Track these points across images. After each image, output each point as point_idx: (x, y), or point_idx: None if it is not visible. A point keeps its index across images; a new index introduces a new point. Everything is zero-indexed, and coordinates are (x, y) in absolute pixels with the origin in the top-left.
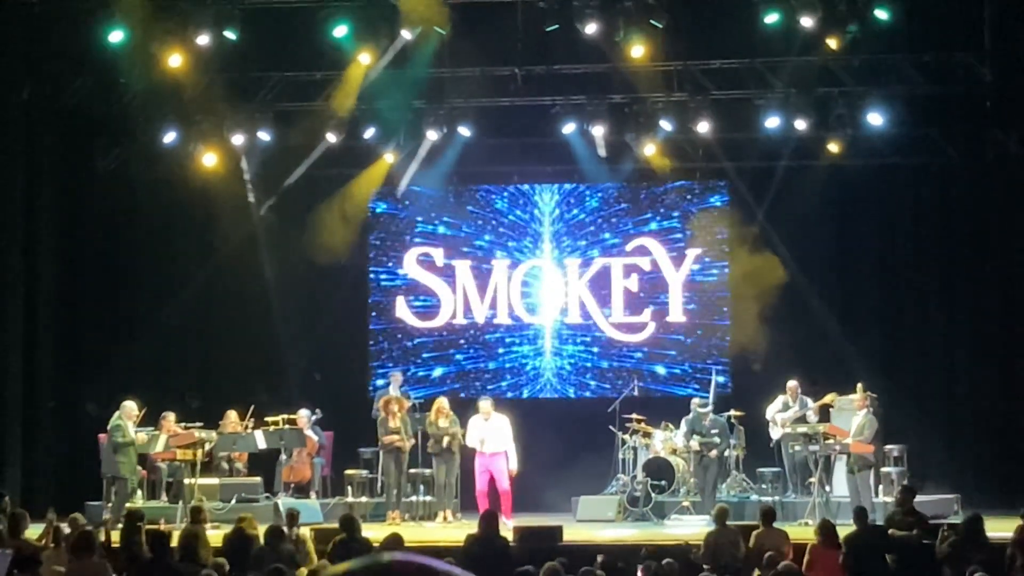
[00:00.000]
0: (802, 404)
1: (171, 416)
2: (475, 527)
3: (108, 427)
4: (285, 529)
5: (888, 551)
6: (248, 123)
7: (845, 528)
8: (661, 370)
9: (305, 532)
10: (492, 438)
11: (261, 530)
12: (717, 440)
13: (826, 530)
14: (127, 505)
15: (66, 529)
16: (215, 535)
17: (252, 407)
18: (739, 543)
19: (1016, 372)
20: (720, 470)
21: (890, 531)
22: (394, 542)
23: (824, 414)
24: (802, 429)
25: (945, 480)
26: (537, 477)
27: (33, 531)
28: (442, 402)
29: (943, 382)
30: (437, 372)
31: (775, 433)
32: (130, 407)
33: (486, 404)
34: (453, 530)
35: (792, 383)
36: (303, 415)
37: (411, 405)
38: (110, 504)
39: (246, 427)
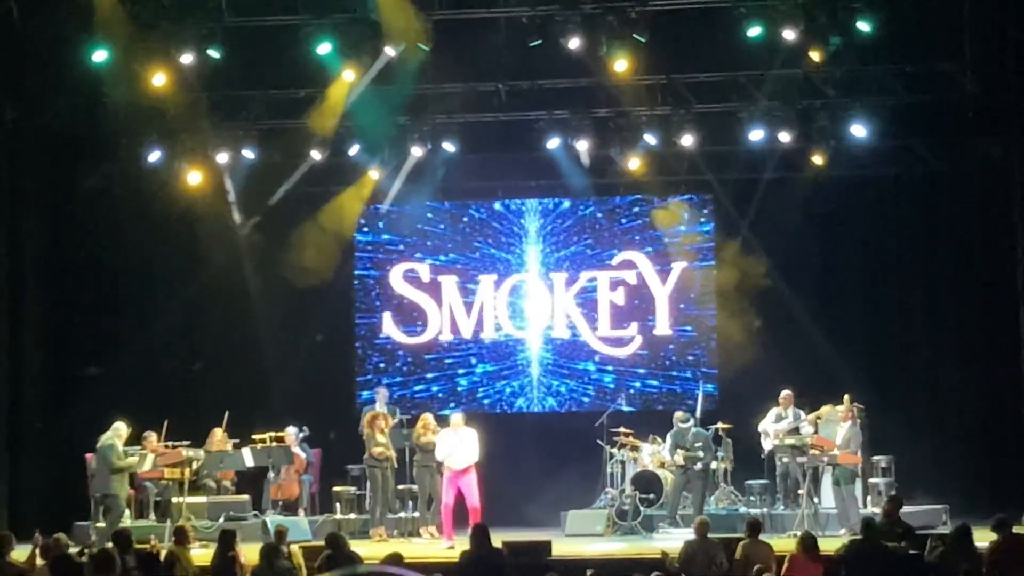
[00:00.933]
0: (795, 415)
1: (153, 436)
2: (461, 543)
3: (99, 446)
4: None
5: (880, 563)
6: (232, 141)
7: (832, 540)
8: (648, 383)
9: (295, 549)
10: (461, 452)
11: (244, 548)
12: (701, 454)
13: (807, 542)
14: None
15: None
16: (201, 554)
17: (227, 413)
18: (718, 555)
19: (1002, 381)
20: (707, 483)
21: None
22: (395, 560)
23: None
24: (790, 441)
25: (933, 490)
26: (525, 491)
27: (20, 553)
28: (428, 418)
29: (930, 392)
30: (423, 388)
31: (767, 445)
32: (121, 428)
33: (457, 418)
34: (440, 546)
35: (786, 392)
36: (290, 432)
37: (397, 421)
38: (99, 524)
39: (228, 440)
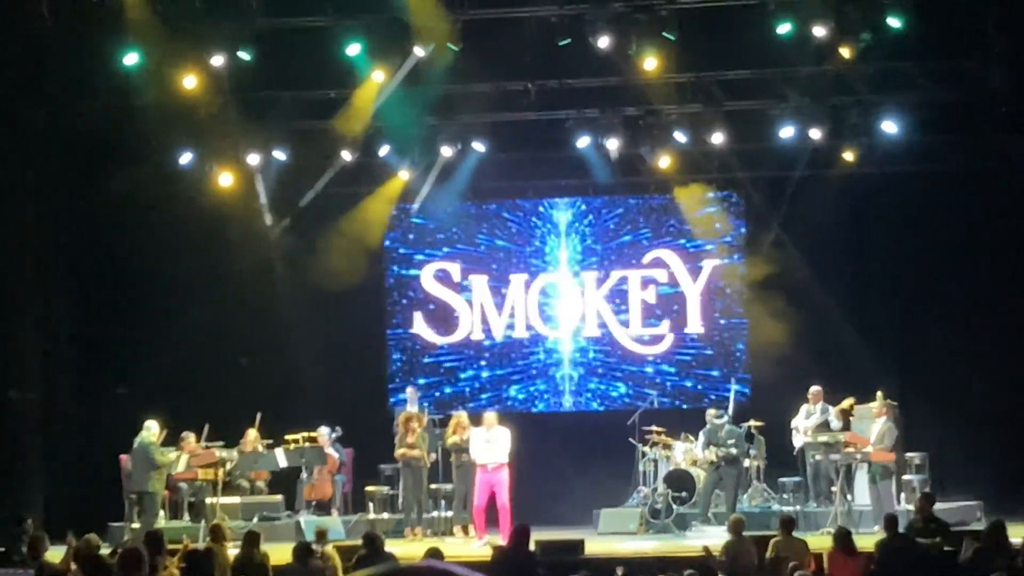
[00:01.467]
0: (823, 410)
1: (191, 437)
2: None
3: (137, 445)
4: (314, 546)
5: (914, 560)
6: (263, 143)
7: (865, 537)
8: (680, 381)
9: (330, 549)
10: (494, 451)
11: (276, 548)
12: (733, 451)
13: (843, 538)
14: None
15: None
16: (235, 554)
17: (259, 415)
18: (754, 553)
19: None
20: (740, 481)
21: (915, 539)
22: (433, 555)
23: (847, 421)
24: (823, 438)
25: (968, 487)
26: (557, 490)
27: (55, 554)
28: (461, 417)
29: (963, 388)
30: (455, 387)
31: (798, 441)
32: (155, 426)
33: (490, 416)
34: (473, 545)
35: (815, 388)
36: (323, 433)
37: (429, 420)
38: (134, 525)
39: (261, 441)
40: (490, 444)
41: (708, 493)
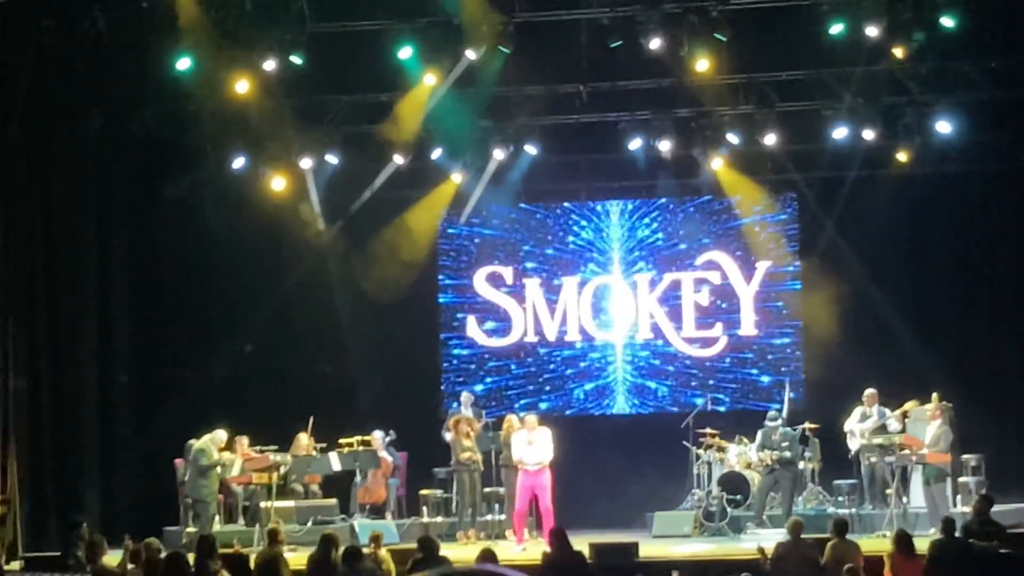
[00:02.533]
0: (880, 413)
1: (244, 440)
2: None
3: (191, 451)
4: (364, 549)
5: (971, 563)
6: (315, 147)
7: (922, 540)
8: (734, 384)
9: (384, 553)
10: (535, 452)
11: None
12: (787, 454)
13: (903, 540)
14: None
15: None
16: (292, 557)
17: (311, 419)
18: (812, 556)
19: None
20: (795, 483)
21: (970, 541)
22: (487, 556)
23: (903, 423)
24: (878, 440)
25: None
26: (611, 493)
27: (112, 558)
28: (513, 419)
29: (1020, 389)
30: (509, 390)
31: (854, 444)
32: (220, 436)
33: (531, 419)
34: (530, 547)
35: (870, 391)
36: (377, 436)
37: (484, 424)
38: (189, 529)
39: (314, 444)
40: (532, 446)
41: (763, 496)
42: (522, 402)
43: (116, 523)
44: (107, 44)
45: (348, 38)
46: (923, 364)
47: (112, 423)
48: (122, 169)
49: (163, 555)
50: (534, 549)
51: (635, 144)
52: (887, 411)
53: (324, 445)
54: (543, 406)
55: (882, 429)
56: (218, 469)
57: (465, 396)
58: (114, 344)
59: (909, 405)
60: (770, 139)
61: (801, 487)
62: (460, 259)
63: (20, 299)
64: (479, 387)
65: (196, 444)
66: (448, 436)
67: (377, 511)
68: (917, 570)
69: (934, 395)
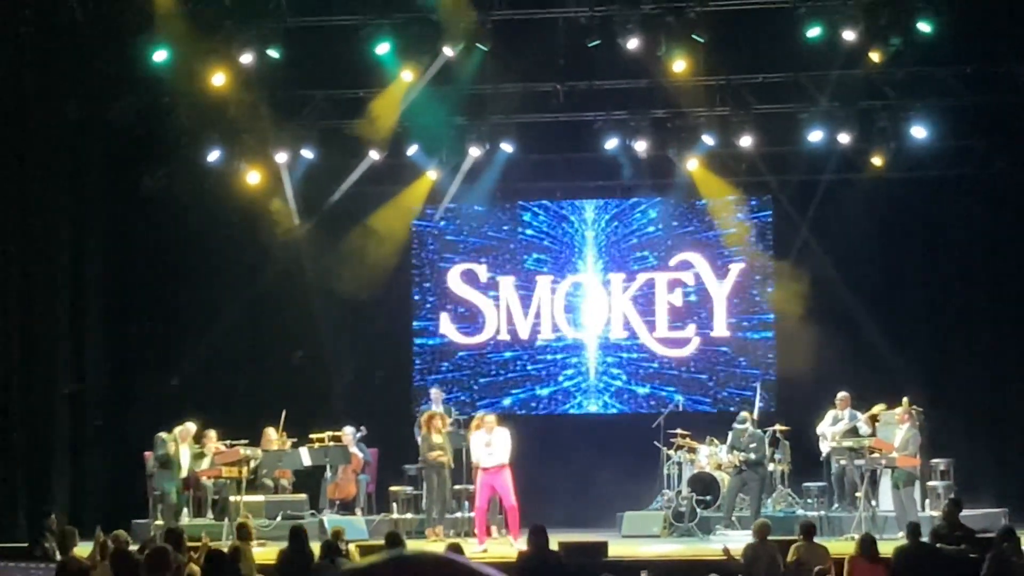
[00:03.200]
0: (852, 416)
1: (213, 434)
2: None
3: (157, 441)
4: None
5: (937, 568)
6: (291, 141)
7: (890, 543)
8: (705, 385)
9: (352, 548)
10: (494, 452)
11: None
12: (753, 456)
13: (867, 544)
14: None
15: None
16: (261, 552)
17: (284, 412)
18: (777, 558)
19: None
20: (763, 485)
21: (937, 545)
22: (454, 550)
23: (874, 426)
24: (848, 443)
25: (993, 494)
26: (581, 492)
27: (83, 549)
28: (484, 417)
29: (989, 394)
30: (481, 388)
31: (825, 447)
32: (189, 428)
33: (491, 419)
34: (497, 545)
35: (842, 394)
36: (348, 432)
37: (454, 421)
38: (158, 522)
39: (285, 439)
40: (489, 447)
41: (732, 497)
42: (494, 400)
43: (86, 516)
44: (85, 35)
45: (325, 33)
46: (895, 368)
47: (83, 415)
48: (97, 160)
49: (144, 548)
50: (498, 548)
51: (611, 144)
52: (858, 414)
53: (295, 440)
54: (514, 404)
55: (852, 432)
56: (184, 462)
57: (435, 392)
58: (85, 335)
59: (877, 408)
60: (746, 141)
61: (770, 489)
62: (434, 256)
63: None
64: (451, 384)
65: (159, 435)
66: (420, 432)
67: (347, 507)
68: (879, 575)
69: (904, 399)
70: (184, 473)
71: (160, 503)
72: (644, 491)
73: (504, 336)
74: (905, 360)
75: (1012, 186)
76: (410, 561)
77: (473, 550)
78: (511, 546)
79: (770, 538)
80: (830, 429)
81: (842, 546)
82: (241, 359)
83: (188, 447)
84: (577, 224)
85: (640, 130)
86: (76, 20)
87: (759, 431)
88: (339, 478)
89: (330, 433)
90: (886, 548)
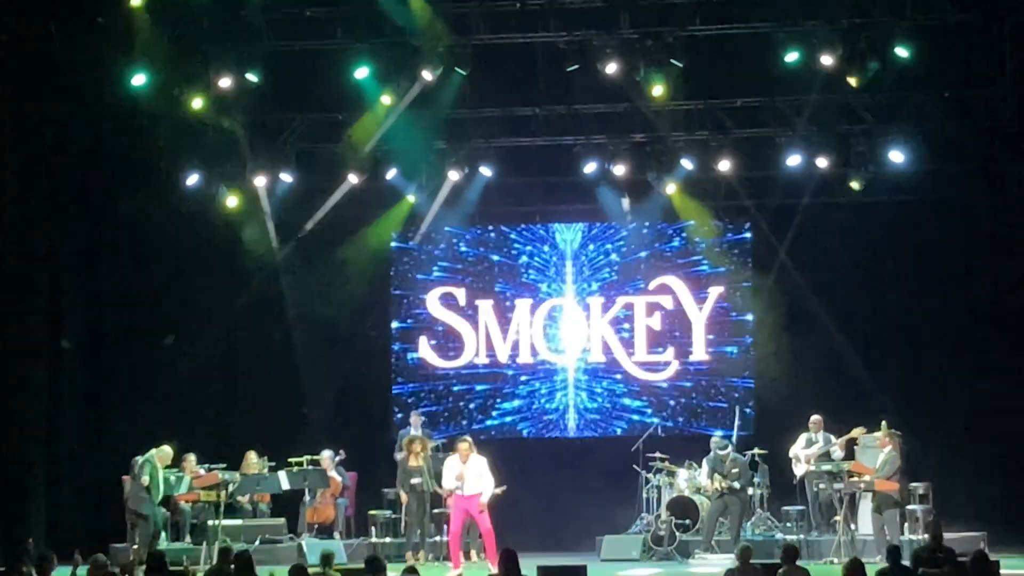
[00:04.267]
0: (826, 439)
1: (192, 457)
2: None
3: (135, 466)
4: (312, 570)
5: None
6: (270, 164)
7: (869, 567)
8: (684, 408)
9: (334, 573)
10: (469, 480)
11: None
12: (737, 483)
13: (855, 569)
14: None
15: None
16: None
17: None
18: None
19: None
20: (744, 509)
21: (920, 570)
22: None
23: (850, 451)
24: (827, 467)
25: (971, 517)
26: (561, 517)
27: (61, 574)
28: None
29: (967, 418)
30: (459, 412)
31: (799, 470)
32: (166, 451)
33: (464, 445)
34: (476, 570)
35: (815, 417)
36: (326, 456)
37: (434, 446)
38: (135, 546)
39: (264, 463)
40: (460, 480)
41: (712, 521)
42: (471, 423)
43: (63, 540)
44: (61, 57)
45: (305, 57)
46: (872, 391)
47: (60, 439)
48: (75, 184)
49: (114, 570)
50: (474, 572)
51: (590, 168)
52: (832, 437)
53: (274, 464)
54: (492, 427)
55: (826, 456)
56: (158, 484)
57: (415, 418)
58: (63, 359)
59: (856, 432)
60: (724, 165)
61: (750, 513)
62: (413, 279)
63: None
64: (431, 408)
65: (141, 457)
66: (399, 456)
67: (325, 531)
68: None
69: (883, 423)
70: (160, 497)
71: (136, 527)
72: (623, 515)
73: (483, 359)
74: (883, 383)
75: (988, 211)
76: None
77: (448, 575)
78: (488, 572)
79: (751, 562)
80: (803, 452)
81: (821, 570)
82: (218, 382)
83: (164, 470)
84: (556, 248)
85: (619, 154)
86: (52, 42)
87: (741, 456)
88: (318, 502)
89: (308, 457)
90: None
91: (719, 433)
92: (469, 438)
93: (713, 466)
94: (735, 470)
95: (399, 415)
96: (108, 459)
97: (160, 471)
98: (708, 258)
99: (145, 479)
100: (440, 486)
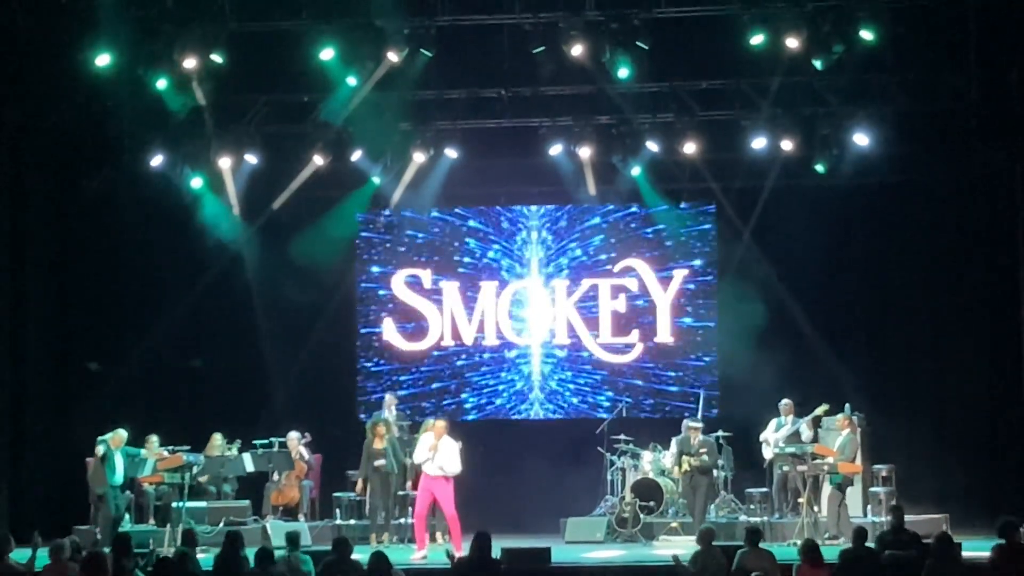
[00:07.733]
0: (795, 423)
1: (154, 439)
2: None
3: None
4: (279, 551)
5: (882, 571)
6: (235, 146)
7: (833, 548)
8: (649, 391)
9: (302, 555)
10: (437, 460)
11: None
12: (707, 460)
13: (809, 550)
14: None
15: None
16: (202, 559)
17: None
18: (723, 564)
19: (1004, 391)
20: (710, 490)
21: (885, 552)
22: (377, 561)
23: (816, 431)
24: (791, 449)
25: (934, 499)
26: (525, 499)
27: (20, 555)
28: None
29: (931, 401)
30: (425, 394)
31: (768, 454)
32: (121, 435)
33: (440, 426)
34: (441, 552)
35: (786, 401)
36: (293, 437)
37: (402, 427)
38: (98, 528)
39: (228, 445)
40: (433, 452)
41: (691, 499)
42: (437, 405)
43: (26, 521)
44: (24, 36)
45: (269, 38)
46: (837, 374)
47: (23, 420)
48: (38, 163)
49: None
50: (438, 554)
51: (555, 150)
52: (800, 420)
53: (240, 445)
54: (458, 410)
55: (795, 436)
56: (119, 468)
57: (388, 398)
58: (27, 339)
59: (821, 410)
60: (689, 147)
61: (714, 495)
62: (378, 261)
63: None
64: (394, 389)
65: (99, 438)
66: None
67: (290, 513)
68: None
69: (846, 405)
70: (120, 479)
71: (97, 509)
72: (587, 497)
73: (448, 342)
74: (847, 367)
75: (953, 193)
76: None
77: (412, 557)
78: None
79: (714, 543)
80: (773, 436)
81: (785, 552)
82: (182, 364)
83: (121, 453)
84: (521, 230)
85: (584, 136)
86: (18, 23)
87: (710, 437)
88: (282, 484)
89: (278, 440)
90: (831, 553)
91: (689, 415)
92: (445, 420)
93: (681, 447)
94: (703, 450)
95: (363, 397)
96: (71, 441)
97: (116, 454)
98: (673, 241)
99: (100, 450)
100: (411, 458)
